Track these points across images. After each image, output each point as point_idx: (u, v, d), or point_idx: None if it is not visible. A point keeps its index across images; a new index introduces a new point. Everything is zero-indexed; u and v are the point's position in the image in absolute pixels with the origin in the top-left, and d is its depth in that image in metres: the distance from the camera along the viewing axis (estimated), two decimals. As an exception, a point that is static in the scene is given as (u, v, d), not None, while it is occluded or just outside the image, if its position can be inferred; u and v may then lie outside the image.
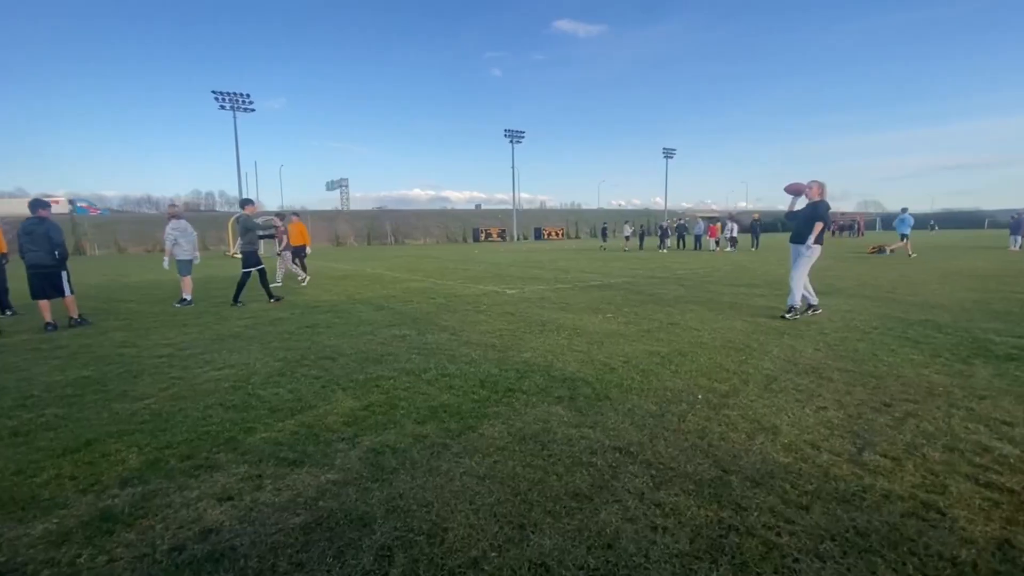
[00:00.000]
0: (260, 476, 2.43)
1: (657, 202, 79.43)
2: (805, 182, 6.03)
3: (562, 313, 6.74)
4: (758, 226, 23.59)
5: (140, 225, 59.64)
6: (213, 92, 51.72)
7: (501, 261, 18.84)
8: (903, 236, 16.69)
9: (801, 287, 5.99)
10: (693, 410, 3.18)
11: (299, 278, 11.53)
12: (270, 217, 27.43)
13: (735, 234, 21.79)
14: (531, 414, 3.15)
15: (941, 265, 13.04)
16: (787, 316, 5.97)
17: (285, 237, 11.23)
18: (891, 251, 17.05)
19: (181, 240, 8.70)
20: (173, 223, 8.71)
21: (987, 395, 3.30)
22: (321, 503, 2.19)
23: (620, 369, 4.07)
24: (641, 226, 28.39)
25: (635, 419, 3.05)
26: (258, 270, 8.49)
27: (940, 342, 4.73)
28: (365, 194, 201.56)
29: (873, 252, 17.96)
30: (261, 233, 9.04)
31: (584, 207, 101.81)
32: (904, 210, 17.35)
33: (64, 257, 6.17)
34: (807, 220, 5.94)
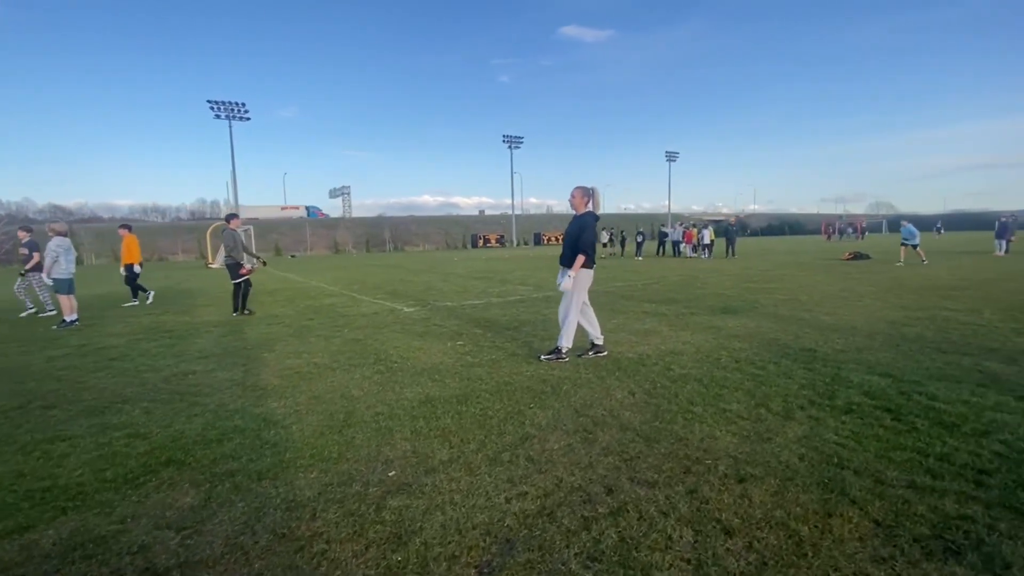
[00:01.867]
0: None
1: (666, 206, 78.17)
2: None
3: (414, 340, 5.99)
4: (735, 231, 22.26)
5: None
6: (209, 101, 52.03)
7: (457, 272, 18.14)
8: (914, 246, 15.28)
9: (574, 323, 4.78)
10: (340, 502, 2.42)
11: (125, 304, 10.17)
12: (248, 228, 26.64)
13: (707, 241, 20.77)
14: (123, 511, 2.41)
15: (904, 274, 12.04)
16: (543, 358, 4.79)
17: (36, 255, 8.90)
18: (916, 260, 15.23)
19: (62, 258, 8.17)
20: (57, 240, 8.19)
21: (750, 476, 2.48)
22: None
23: (355, 427, 3.32)
24: (622, 232, 27.42)
25: (238, 525, 2.29)
26: (243, 282, 8.35)
27: (790, 383, 3.90)
28: (375, 201, 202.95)
29: (849, 259, 16.91)
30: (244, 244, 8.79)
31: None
32: (905, 221, 16.11)
33: None
34: (574, 239, 4.68)
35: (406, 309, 8.60)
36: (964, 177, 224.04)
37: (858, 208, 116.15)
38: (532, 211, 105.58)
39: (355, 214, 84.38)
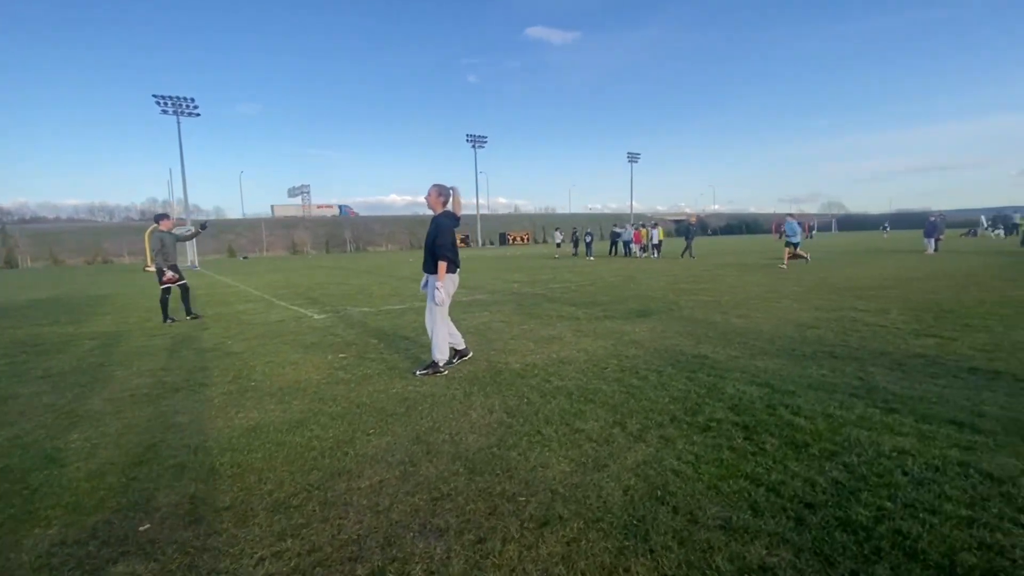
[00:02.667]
0: None
1: (636, 206, 79.33)
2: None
3: (296, 353, 5.52)
4: (693, 231, 21.88)
5: (83, 236, 57.05)
6: (154, 96, 49.60)
7: (400, 274, 17.62)
8: (787, 244, 14.67)
9: (444, 334, 4.45)
10: (55, 569, 1.97)
11: None
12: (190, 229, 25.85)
13: (656, 241, 20.81)
14: None
15: (831, 274, 12.21)
16: (418, 373, 4.39)
17: None
18: (786, 265, 14.59)
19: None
20: None
21: (556, 518, 2.16)
22: None
23: (148, 465, 2.86)
24: (574, 231, 27.32)
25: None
26: (176, 286, 7.99)
27: (662, 396, 3.63)
28: (341, 200, 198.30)
29: (788, 258, 17.17)
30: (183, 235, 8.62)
31: (559, 211, 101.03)
32: (791, 216, 15.34)
33: None
34: (430, 242, 4.33)
35: (316, 316, 8.08)
36: (908, 178, 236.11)
37: (812, 208, 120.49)
38: (501, 211, 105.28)
39: (320, 214, 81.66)
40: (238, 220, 73.62)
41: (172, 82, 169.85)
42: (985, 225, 34.68)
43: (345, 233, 67.71)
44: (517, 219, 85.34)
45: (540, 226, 76.65)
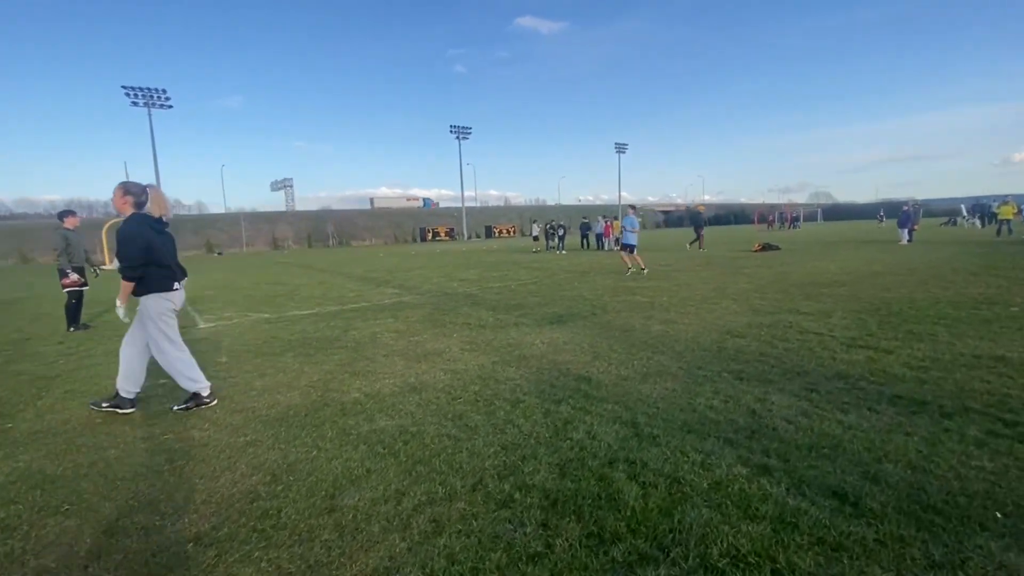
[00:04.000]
0: None
1: (626, 197, 78.80)
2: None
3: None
4: (703, 220, 20.10)
5: (49, 233, 55.52)
6: (124, 87, 48.23)
7: (353, 272, 16.70)
8: (625, 247, 11.13)
9: (181, 359, 3.55)
10: None
11: None
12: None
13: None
14: None
15: (793, 268, 11.44)
16: (175, 408, 3.58)
17: None
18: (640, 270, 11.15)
19: None
20: None
21: None
22: None
23: None
24: (547, 224, 26.47)
25: None
26: (78, 291, 7.20)
27: (492, 443, 2.81)
28: (330, 194, 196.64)
29: (758, 250, 16.47)
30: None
31: (550, 203, 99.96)
32: (632, 208, 11.52)
33: None
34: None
35: (201, 326, 7.20)
36: (894, 168, 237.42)
37: (800, 197, 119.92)
38: (492, 203, 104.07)
39: (309, 207, 79.95)
40: (219, 215, 72.11)
41: (154, 76, 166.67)
42: (964, 214, 34.16)
43: (327, 227, 66.40)
44: (506, 211, 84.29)
45: (528, 219, 75.69)
